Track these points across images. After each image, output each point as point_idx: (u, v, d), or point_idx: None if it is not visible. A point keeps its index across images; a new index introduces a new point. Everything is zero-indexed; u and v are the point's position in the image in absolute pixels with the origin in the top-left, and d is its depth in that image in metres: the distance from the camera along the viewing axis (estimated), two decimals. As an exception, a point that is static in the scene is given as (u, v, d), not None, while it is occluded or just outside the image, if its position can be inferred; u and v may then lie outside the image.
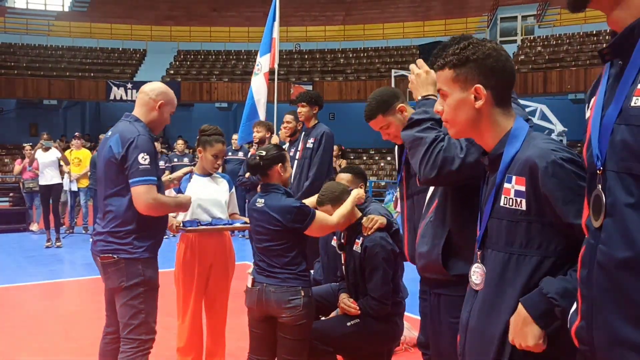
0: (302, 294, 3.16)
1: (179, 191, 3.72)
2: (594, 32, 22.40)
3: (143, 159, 2.93)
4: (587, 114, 1.38)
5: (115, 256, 2.99)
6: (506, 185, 1.70)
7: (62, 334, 5.16)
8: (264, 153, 3.31)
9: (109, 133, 3.15)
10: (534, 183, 1.63)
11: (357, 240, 3.43)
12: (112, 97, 22.68)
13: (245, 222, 3.76)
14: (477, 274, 1.77)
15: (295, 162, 5.23)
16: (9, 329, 5.32)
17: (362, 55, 25.59)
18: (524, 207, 1.66)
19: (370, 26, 26.29)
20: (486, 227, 1.76)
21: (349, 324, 3.39)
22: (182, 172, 3.71)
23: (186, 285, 3.74)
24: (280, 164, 3.30)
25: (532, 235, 1.65)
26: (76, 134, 11.77)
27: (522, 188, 1.66)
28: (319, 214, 3.27)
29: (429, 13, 26.58)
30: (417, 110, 2.25)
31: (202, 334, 3.87)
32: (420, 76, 2.32)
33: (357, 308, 3.38)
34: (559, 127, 15.13)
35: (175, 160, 11.30)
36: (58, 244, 9.76)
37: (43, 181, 9.74)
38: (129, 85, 22.48)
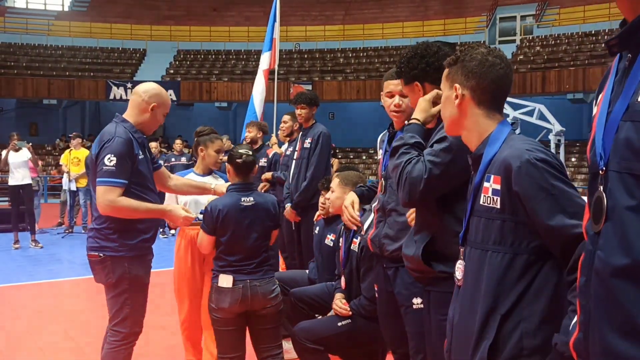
0: (277, 282, 3.41)
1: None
2: (593, 32, 22.42)
3: (109, 160, 2.97)
4: (594, 111, 1.28)
5: (101, 254, 3.05)
6: (485, 184, 1.74)
7: (61, 334, 5.17)
8: (251, 152, 3.38)
9: None
10: (508, 182, 1.66)
11: (355, 240, 3.44)
12: (111, 96, 22.67)
13: None
14: (459, 270, 1.82)
15: (294, 162, 5.25)
16: (8, 328, 5.33)
17: (361, 55, 25.60)
18: (498, 205, 1.69)
19: (370, 26, 26.29)
20: (467, 225, 1.81)
21: (340, 324, 3.41)
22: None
23: (182, 279, 3.78)
24: None
25: (505, 233, 1.68)
26: (73, 133, 11.78)
27: (498, 187, 1.69)
28: None
29: (428, 13, 26.58)
30: (397, 137, 2.31)
31: (201, 331, 3.89)
32: (420, 103, 2.33)
33: (348, 310, 3.40)
34: (557, 126, 15.16)
35: (173, 160, 11.27)
36: (36, 245, 9.63)
37: (13, 181, 9.64)
38: (129, 85, 22.43)
